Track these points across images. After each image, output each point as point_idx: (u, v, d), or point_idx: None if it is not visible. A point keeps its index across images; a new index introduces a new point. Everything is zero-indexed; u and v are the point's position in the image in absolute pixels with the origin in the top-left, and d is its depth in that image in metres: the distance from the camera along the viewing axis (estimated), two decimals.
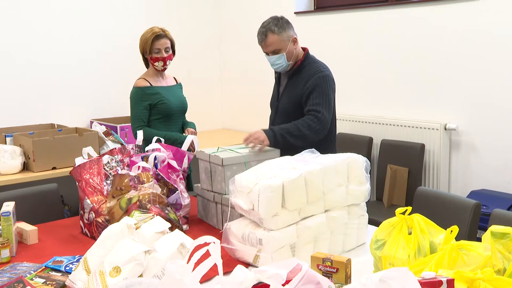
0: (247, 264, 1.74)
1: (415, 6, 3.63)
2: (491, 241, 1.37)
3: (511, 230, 1.36)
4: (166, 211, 1.96)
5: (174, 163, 2.27)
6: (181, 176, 2.29)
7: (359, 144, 3.77)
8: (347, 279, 1.48)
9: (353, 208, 1.92)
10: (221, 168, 2.09)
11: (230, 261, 1.76)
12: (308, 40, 4.44)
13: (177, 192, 2.15)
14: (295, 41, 2.54)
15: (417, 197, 2.52)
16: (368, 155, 3.75)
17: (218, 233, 2.00)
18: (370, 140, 3.78)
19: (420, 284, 1.06)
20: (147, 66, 2.99)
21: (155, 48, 2.84)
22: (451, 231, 1.43)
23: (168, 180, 2.16)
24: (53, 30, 4.06)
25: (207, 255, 1.18)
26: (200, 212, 2.33)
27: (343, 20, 4.12)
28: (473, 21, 3.35)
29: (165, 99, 2.89)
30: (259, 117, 4.98)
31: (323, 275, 1.42)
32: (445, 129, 3.49)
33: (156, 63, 2.87)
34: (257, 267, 1.60)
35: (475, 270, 1.21)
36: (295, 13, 4.47)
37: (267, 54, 2.55)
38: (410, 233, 1.53)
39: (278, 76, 2.73)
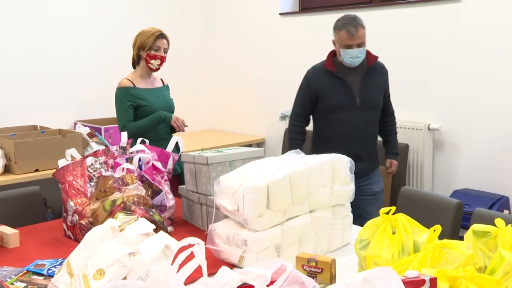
0: (232, 265, 1.74)
1: (399, 8, 3.67)
2: (472, 240, 1.39)
3: (492, 228, 1.38)
4: (151, 213, 1.95)
5: (158, 165, 2.26)
6: (165, 177, 2.28)
7: None
8: (332, 279, 1.48)
9: (337, 208, 1.92)
10: (206, 168, 2.09)
11: (215, 263, 1.76)
12: (293, 41, 4.47)
13: (162, 193, 2.14)
14: None
15: (401, 197, 2.55)
16: None
17: (203, 234, 2.00)
18: None
19: (404, 283, 1.06)
20: (134, 66, 2.97)
21: (155, 45, 2.85)
22: (434, 230, 1.45)
23: (152, 182, 2.15)
24: (36, 31, 4.01)
25: (191, 256, 1.17)
26: (185, 214, 2.33)
27: (328, 21, 4.12)
28: (457, 22, 3.39)
29: (147, 101, 2.86)
30: (246, 118, 4.99)
31: (308, 275, 1.43)
32: (429, 129, 3.53)
33: (152, 61, 2.86)
34: (242, 268, 1.60)
35: (457, 268, 1.23)
36: (280, 14, 4.48)
37: (349, 47, 2.70)
38: (394, 233, 1.54)
39: (336, 75, 2.80)
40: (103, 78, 4.30)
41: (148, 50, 2.85)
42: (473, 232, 1.40)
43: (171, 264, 1.17)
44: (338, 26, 2.77)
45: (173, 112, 2.98)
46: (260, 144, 4.78)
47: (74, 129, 3.84)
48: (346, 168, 1.92)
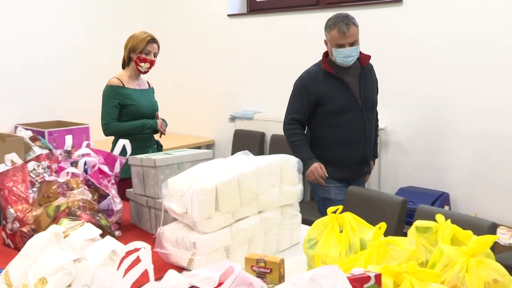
0: (181, 269, 1.72)
1: (345, 10, 3.73)
2: (415, 236, 1.44)
3: (433, 224, 1.43)
4: (97, 218, 1.90)
5: (105, 168, 2.20)
6: (112, 181, 2.23)
7: None
8: (281, 279, 1.49)
9: (286, 208, 1.94)
10: (154, 171, 2.06)
11: (164, 266, 1.73)
12: (241, 42, 4.48)
13: (108, 197, 2.09)
14: None
15: (349, 196, 2.60)
16: None
17: (151, 238, 1.97)
18: None
19: (349, 281, 1.08)
20: (123, 67, 3.03)
21: (146, 49, 2.93)
22: (380, 227, 1.48)
23: (99, 186, 2.09)
24: None
25: (138, 261, 1.15)
26: (133, 217, 2.28)
27: (276, 22, 4.18)
28: (399, 25, 3.50)
29: (135, 101, 2.94)
30: (195, 120, 4.96)
31: (257, 276, 1.44)
32: None
33: (142, 64, 2.95)
34: (191, 271, 1.58)
35: (401, 264, 1.26)
36: (228, 15, 4.48)
37: (341, 46, 2.63)
38: (341, 231, 1.57)
39: (336, 77, 2.71)
40: (45, 79, 4.14)
41: (139, 53, 2.94)
42: (416, 228, 1.45)
43: (117, 270, 1.15)
44: (329, 25, 2.68)
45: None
46: (209, 146, 4.76)
47: (15, 133, 3.68)
48: (294, 169, 1.94)
